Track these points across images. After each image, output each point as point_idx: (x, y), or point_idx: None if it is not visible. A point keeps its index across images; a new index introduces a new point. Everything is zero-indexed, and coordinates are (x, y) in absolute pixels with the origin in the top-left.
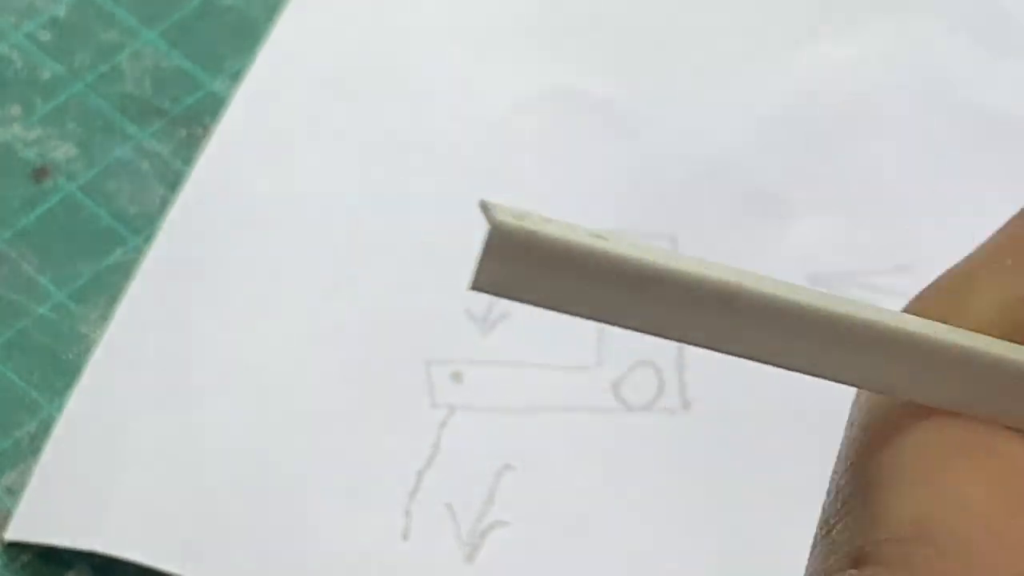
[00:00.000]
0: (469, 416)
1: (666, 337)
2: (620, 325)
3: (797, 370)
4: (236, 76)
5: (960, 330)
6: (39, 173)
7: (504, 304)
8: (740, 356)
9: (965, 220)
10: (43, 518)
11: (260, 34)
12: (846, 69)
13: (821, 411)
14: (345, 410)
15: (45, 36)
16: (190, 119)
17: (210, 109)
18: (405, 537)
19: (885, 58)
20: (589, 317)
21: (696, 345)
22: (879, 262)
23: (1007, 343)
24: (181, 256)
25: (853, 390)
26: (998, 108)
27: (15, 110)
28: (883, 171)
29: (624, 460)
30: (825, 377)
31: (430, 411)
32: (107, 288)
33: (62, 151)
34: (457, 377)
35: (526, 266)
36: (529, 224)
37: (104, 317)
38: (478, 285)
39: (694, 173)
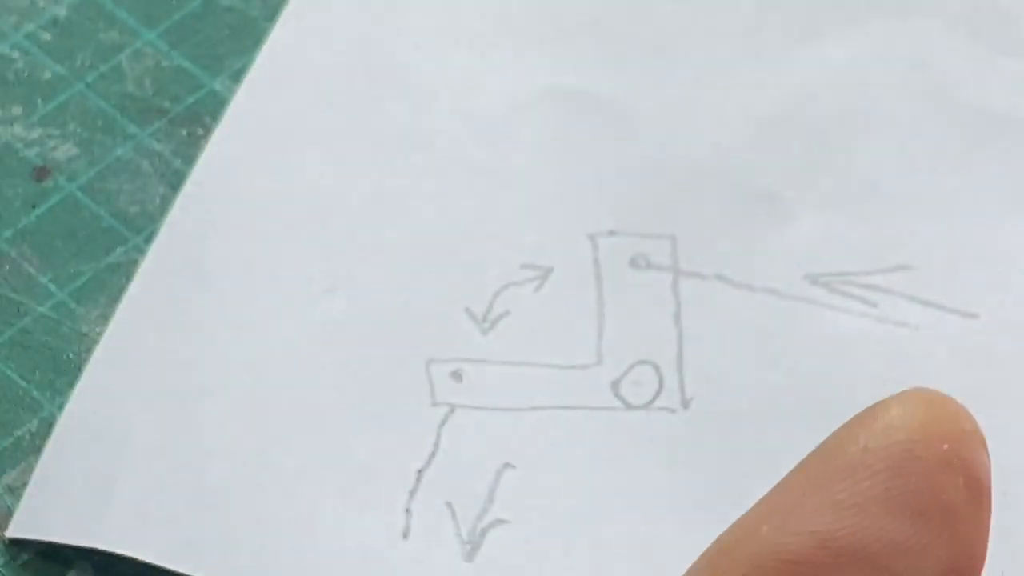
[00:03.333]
0: (469, 415)
1: None
2: None
3: None
4: (237, 76)
5: None
6: (40, 173)
7: (504, 303)
8: None
9: (964, 220)
10: (44, 516)
11: (261, 33)
12: (845, 69)
13: (820, 411)
14: (345, 409)
15: (46, 36)
16: (191, 119)
17: (211, 109)
18: (405, 536)
19: (884, 58)
20: None
21: None
22: (878, 262)
23: None
24: (182, 255)
25: (854, 387)
26: (997, 108)
27: (16, 110)
28: (882, 171)
29: (624, 459)
30: None
31: (430, 410)
32: (108, 287)
33: (63, 151)
34: (457, 376)
35: None
36: None
37: (105, 316)
38: None
39: (693, 173)
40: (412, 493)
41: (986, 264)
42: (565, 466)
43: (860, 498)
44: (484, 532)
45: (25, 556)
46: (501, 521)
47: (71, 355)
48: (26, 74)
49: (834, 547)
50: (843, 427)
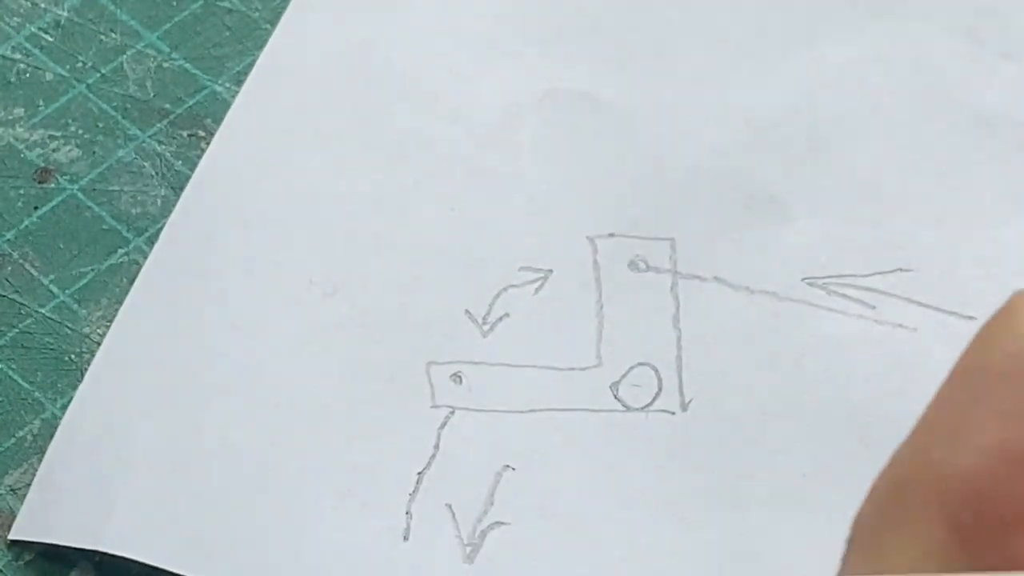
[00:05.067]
0: (469, 417)
1: None
2: None
3: None
4: (238, 77)
5: None
6: (42, 174)
7: (504, 305)
8: None
9: (962, 222)
10: (46, 517)
11: (262, 35)
12: (844, 71)
13: (819, 412)
14: (345, 410)
15: (47, 38)
16: (192, 121)
17: (212, 111)
18: (405, 538)
19: (882, 60)
20: None
21: None
22: (877, 265)
23: None
24: (184, 257)
25: (853, 389)
26: (995, 110)
27: (18, 111)
28: (881, 173)
29: (623, 461)
30: None
31: (430, 412)
32: (109, 289)
33: (64, 152)
34: (457, 378)
35: None
36: None
37: (106, 318)
38: None
39: (692, 175)
40: (412, 495)
41: (984, 266)
42: (565, 468)
43: (1021, 403)
44: (484, 534)
45: (28, 556)
46: (501, 523)
47: (73, 356)
48: (28, 76)
49: (1010, 456)
50: (977, 338)
